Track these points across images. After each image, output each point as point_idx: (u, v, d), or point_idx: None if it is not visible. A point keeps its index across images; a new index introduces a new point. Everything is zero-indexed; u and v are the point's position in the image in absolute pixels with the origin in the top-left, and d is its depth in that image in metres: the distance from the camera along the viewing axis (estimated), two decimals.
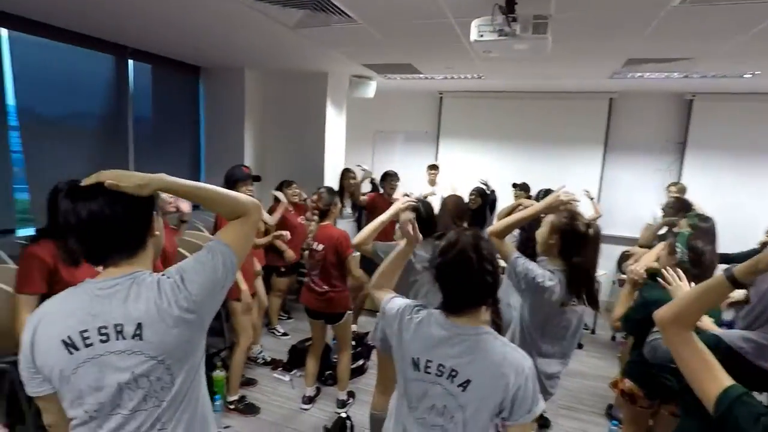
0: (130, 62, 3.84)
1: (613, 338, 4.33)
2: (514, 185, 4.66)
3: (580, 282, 1.80)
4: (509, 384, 1.17)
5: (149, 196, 1.02)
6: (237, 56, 4.00)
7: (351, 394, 3.07)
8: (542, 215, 1.93)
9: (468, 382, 1.20)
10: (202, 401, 1.10)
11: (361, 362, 3.43)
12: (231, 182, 2.88)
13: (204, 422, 1.10)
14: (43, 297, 1.75)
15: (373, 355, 3.60)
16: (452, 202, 2.69)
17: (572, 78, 4.35)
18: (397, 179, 4.43)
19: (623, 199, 5.10)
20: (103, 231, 0.97)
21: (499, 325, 1.37)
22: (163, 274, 1.01)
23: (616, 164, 5.18)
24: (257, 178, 3.29)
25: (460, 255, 1.21)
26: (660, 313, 1.08)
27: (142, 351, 0.96)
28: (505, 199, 4.56)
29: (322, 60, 3.97)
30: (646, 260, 2.96)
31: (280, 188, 3.84)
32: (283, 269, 3.79)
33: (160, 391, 1.00)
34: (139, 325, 0.96)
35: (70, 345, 0.95)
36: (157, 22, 3.00)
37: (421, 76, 4.42)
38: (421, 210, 2.30)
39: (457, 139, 5.75)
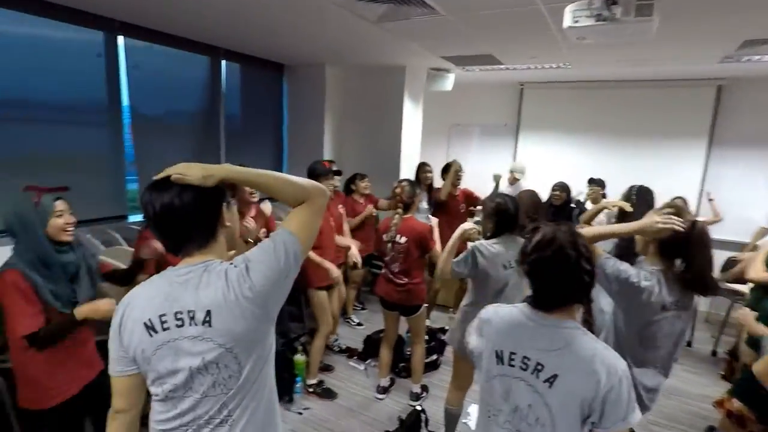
0: (223, 62, 4.11)
1: (714, 353, 3.91)
2: (590, 181, 4.37)
3: (689, 284, 1.64)
4: (600, 382, 1.08)
5: (218, 188, 1.04)
6: (319, 53, 4.12)
7: (425, 388, 3.07)
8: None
9: (555, 377, 1.13)
10: (269, 391, 1.11)
11: (434, 357, 3.42)
12: (313, 177, 2.98)
13: (270, 412, 1.11)
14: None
15: (447, 352, 3.58)
16: (527, 198, 2.57)
17: (674, 64, 3.96)
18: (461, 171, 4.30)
19: (730, 198, 4.56)
20: (175, 222, 1.01)
21: (591, 324, 1.29)
22: (231, 263, 1.03)
23: (722, 160, 4.65)
24: (338, 173, 3.38)
25: (559, 251, 1.15)
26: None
27: (212, 338, 0.99)
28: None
29: (400, 54, 3.97)
30: (756, 273, 2.63)
31: (353, 181, 3.94)
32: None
33: (228, 379, 1.01)
34: (209, 312, 0.98)
35: (150, 328, 1.00)
36: (249, 24, 3.17)
37: (501, 67, 4.27)
38: (510, 208, 2.23)
39: (538, 131, 5.49)
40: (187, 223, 1.02)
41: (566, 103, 5.27)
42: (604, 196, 4.29)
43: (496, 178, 4.65)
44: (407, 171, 4.68)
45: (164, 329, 1.00)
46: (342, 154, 4.95)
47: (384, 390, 3.05)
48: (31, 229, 1.59)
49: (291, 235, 1.04)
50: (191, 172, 0.99)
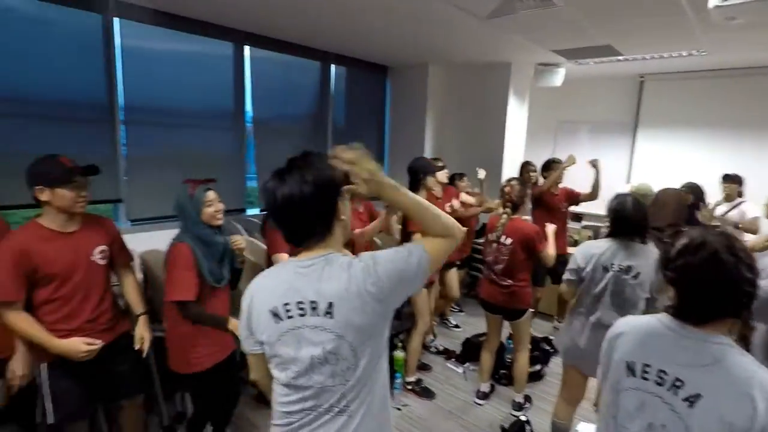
0: (332, 67, 4.32)
1: None
2: (725, 177, 3.81)
3: None
4: (758, 410, 0.93)
5: (336, 182, 1.05)
6: (422, 53, 4.15)
7: (528, 398, 2.93)
8: None
9: (697, 396, 1.00)
10: (382, 387, 1.11)
11: (538, 367, 3.24)
12: (418, 174, 2.98)
13: (383, 407, 1.12)
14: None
15: (552, 364, 3.38)
16: (674, 199, 2.30)
17: None
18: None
19: None
20: (294, 213, 1.03)
21: (748, 343, 1.12)
22: (356, 258, 1.05)
23: None
24: (442, 168, 3.35)
25: (713, 257, 1.01)
26: None
27: (332, 329, 1.01)
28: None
29: (506, 49, 3.84)
30: None
31: (452, 180, 3.86)
32: (458, 262, 3.82)
33: (345, 371, 1.03)
34: (330, 304, 1.01)
35: (275, 315, 1.05)
36: (357, 28, 3.30)
37: (620, 58, 3.92)
38: (627, 210, 2.04)
39: (661, 127, 4.95)
40: (307, 215, 1.04)
41: (697, 95, 4.68)
42: (740, 194, 3.75)
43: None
44: (510, 170, 4.51)
45: (288, 317, 1.04)
46: (443, 153, 4.92)
47: (484, 396, 2.97)
48: (189, 216, 1.87)
49: (425, 252, 1.05)
50: (360, 166, 1.00)
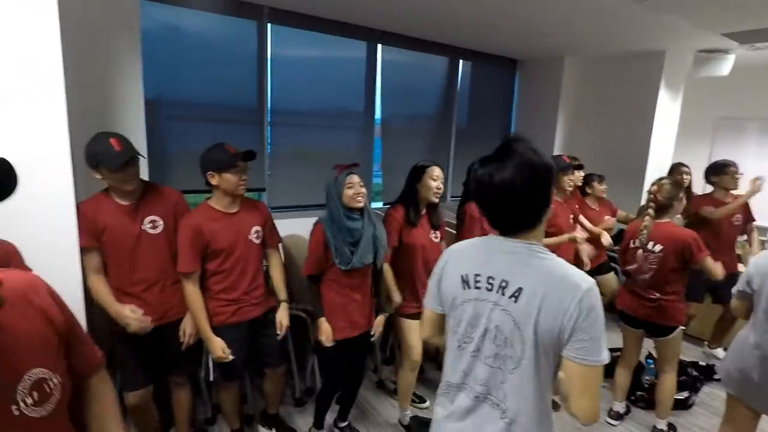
0: (460, 62, 4.27)
1: None
2: None
3: None
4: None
5: (553, 171, 1.03)
6: (560, 45, 3.89)
7: (672, 427, 2.58)
8: None
9: (519, 290, 1.03)
10: (543, 391, 1.04)
11: (684, 395, 2.84)
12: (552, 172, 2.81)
13: (544, 409, 1.04)
14: (394, 251, 2.30)
15: (703, 393, 2.94)
16: None
17: None
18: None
19: None
20: (509, 200, 1.01)
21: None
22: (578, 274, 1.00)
23: None
24: (580, 167, 3.12)
25: None
26: None
27: (511, 312, 1.01)
28: None
29: (661, 36, 3.42)
30: None
31: (587, 182, 3.53)
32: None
33: (508, 359, 1.03)
34: (520, 290, 1.01)
35: (464, 281, 1.10)
36: (493, 21, 3.20)
37: None
38: None
39: None
40: (522, 202, 1.02)
41: None
42: None
43: None
44: (655, 173, 4.02)
45: (475, 287, 1.08)
46: (574, 152, 4.58)
47: (618, 416, 2.69)
48: (331, 197, 2.03)
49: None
50: None
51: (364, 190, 2.05)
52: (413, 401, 2.68)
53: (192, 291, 1.94)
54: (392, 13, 3.16)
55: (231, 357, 1.97)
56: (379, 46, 3.68)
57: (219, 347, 1.95)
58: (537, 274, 1.00)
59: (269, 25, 3.12)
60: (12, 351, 0.71)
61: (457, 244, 1.22)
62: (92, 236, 1.77)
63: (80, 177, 1.76)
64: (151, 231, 1.89)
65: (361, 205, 2.03)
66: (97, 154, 1.70)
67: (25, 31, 1.47)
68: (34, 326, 0.76)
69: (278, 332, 2.15)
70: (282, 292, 2.21)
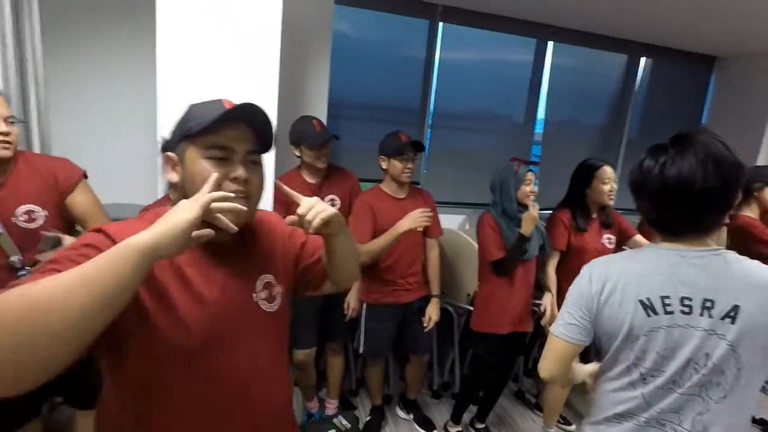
0: (641, 60, 3.83)
1: None
2: None
3: None
4: None
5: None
6: None
7: None
8: None
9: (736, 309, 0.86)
10: (748, 416, 0.92)
11: None
12: (752, 183, 2.36)
13: None
14: (562, 254, 2.15)
15: None
16: None
17: None
18: None
19: None
20: (690, 198, 0.89)
21: None
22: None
23: None
24: None
25: None
26: None
27: (727, 337, 0.87)
28: None
29: None
30: None
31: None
32: None
33: (714, 388, 0.89)
34: (736, 309, 0.86)
35: (648, 307, 0.93)
36: (686, 10, 2.80)
37: None
38: None
39: None
40: (707, 201, 0.90)
41: None
42: None
43: None
44: None
45: (666, 312, 0.92)
46: None
47: None
48: (506, 189, 2.01)
49: None
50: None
51: (536, 189, 2.04)
52: (558, 421, 2.51)
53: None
54: (566, 6, 2.98)
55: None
56: (550, 44, 3.50)
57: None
58: (749, 285, 0.85)
59: (441, 24, 3.20)
60: (254, 258, 0.91)
61: (611, 259, 1.03)
62: (282, 207, 2.03)
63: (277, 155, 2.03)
64: None
65: (531, 203, 2.00)
66: (301, 132, 1.97)
67: (254, 30, 1.75)
68: (271, 247, 0.96)
69: (425, 325, 2.20)
70: (436, 286, 2.26)
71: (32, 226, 1.41)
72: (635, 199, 1.02)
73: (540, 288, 2.23)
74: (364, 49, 3.17)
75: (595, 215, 2.19)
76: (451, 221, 2.93)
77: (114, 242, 0.67)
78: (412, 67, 3.29)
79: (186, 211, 0.67)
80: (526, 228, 1.95)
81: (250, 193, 0.81)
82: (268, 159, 1.86)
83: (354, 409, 2.54)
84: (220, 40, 1.71)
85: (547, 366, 1.07)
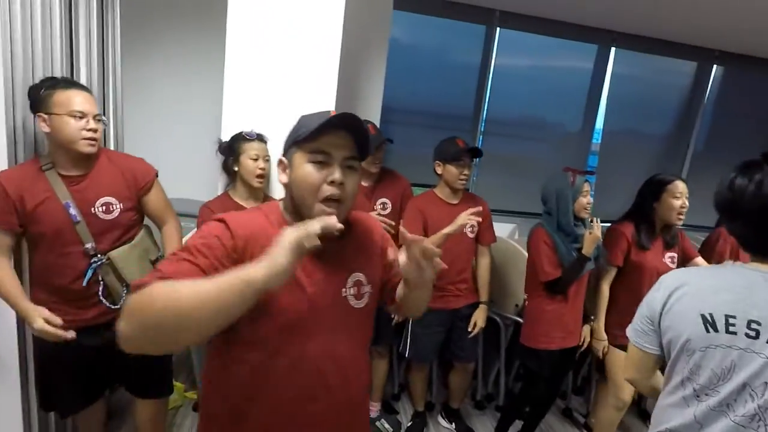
0: (714, 68, 3.60)
1: None
2: None
3: None
4: None
5: None
6: None
7: None
8: None
9: None
10: None
11: None
12: None
13: None
14: (619, 270, 2.04)
15: None
16: None
17: None
18: None
19: None
20: None
21: None
22: None
23: None
24: None
25: None
26: None
27: None
28: None
29: None
30: None
31: None
32: None
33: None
34: None
35: (709, 323, 0.90)
36: (760, 15, 2.60)
37: None
38: None
39: None
40: None
41: None
42: None
43: None
44: None
45: (728, 332, 0.88)
46: None
47: None
48: (563, 201, 1.92)
49: None
50: None
51: (591, 200, 1.96)
52: None
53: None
54: (633, 10, 2.86)
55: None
56: (612, 50, 3.37)
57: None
58: None
59: (498, 29, 3.16)
60: (348, 256, 1.00)
61: (687, 270, 1.02)
62: None
63: None
64: (381, 212, 2.10)
65: (587, 216, 1.94)
66: None
67: (316, 36, 1.80)
68: (370, 248, 1.05)
69: (470, 330, 2.17)
70: (485, 293, 2.22)
71: (108, 217, 1.51)
72: (724, 219, 0.98)
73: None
74: (418, 54, 3.19)
75: (659, 233, 2.05)
76: (500, 229, 2.86)
77: (232, 234, 0.84)
78: (466, 73, 3.27)
79: (293, 253, 0.75)
80: (588, 248, 1.86)
81: (344, 196, 0.89)
82: None
83: (396, 414, 2.53)
84: (284, 46, 1.78)
85: (625, 368, 1.14)
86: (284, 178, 0.93)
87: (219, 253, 0.82)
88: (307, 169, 0.87)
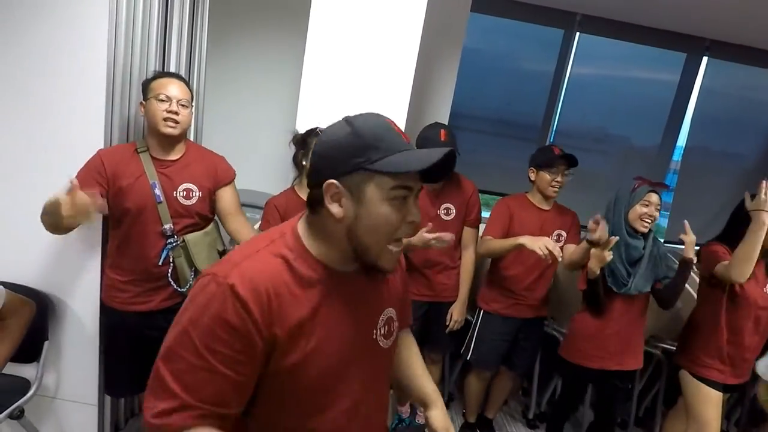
0: None
1: None
2: None
3: None
4: None
5: None
6: None
7: None
8: None
9: None
10: None
11: None
12: None
13: None
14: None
15: None
16: None
17: None
18: None
19: None
20: None
21: None
22: None
23: None
24: None
25: None
26: None
27: None
28: None
29: None
30: None
31: None
32: None
33: None
34: None
35: None
36: None
37: None
38: None
39: None
40: None
41: None
42: None
43: None
44: None
45: None
46: None
47: None
48: (618, 207, 1.85)
49: None
50: None
51: (657, 215, 1.81)
52: None
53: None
54: (731, 14, 2.62)
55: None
56: (704, 60, 3.12)
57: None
58: None
59: (577, 34, 3.02)
60: (386, 291, 0.88)
61: None
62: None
63: None
64: (444, 217, 2.07)
65: (645, 229, 1.80)
66: (425, 140, 1.97)
67: (394, 39, 1.81)
68: (395, 280, 0.93)
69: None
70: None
71: (187, 203, 1.61)
72: None
73: None
74: (489, 59, 3.11)
75: (761, 258, 1.80)
76: None
77: (249, 311, 0.66)
78: (538, 81, 3.16)
79: None
80: (593, 264, 1.75)
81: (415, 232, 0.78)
82: None
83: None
84: (362, 47, 1.81)
85: None
86: (339, 211, 0.71)
87: (242, 345, 0.66)
88: (386, 210, 0.70)
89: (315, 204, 0.73)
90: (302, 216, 0.79)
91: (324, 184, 0.70)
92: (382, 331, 0.84)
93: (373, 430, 0.90)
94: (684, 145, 3.33)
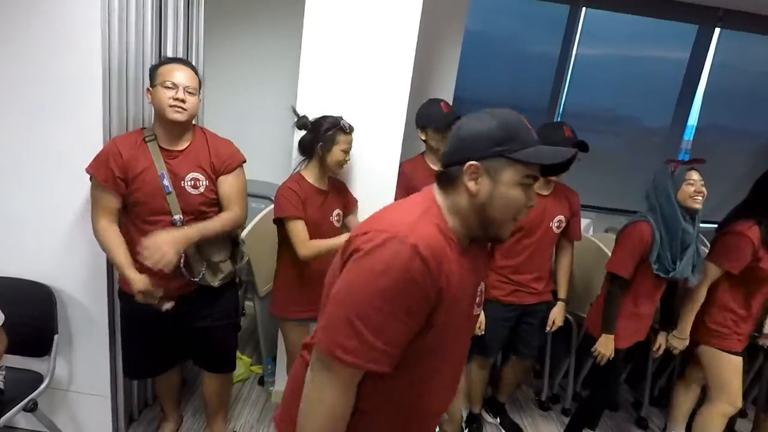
0: None
1: None
2: None
3: None
4: None
5: None
6: None
7: None
8: None
9: None
10: None
11: None
12: None
13: None
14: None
15: None
16: None
17: None
18: None
19: None
20: None
21: None
22: None
23: None
24: None
25: None
26: None
27: None
28: None
29: None
30: None
31: None
32: None
33: None
34: None
35: None
36: None
37: None
38: None
39: None
40: None
41: None
42: None
43: None
44: None
45: None
46: None
47: None
48: (663, 194, 1.78)
49: None
50: None
51: (705, 190, 1.76)
52: None
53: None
54: None
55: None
56: (716, 31, 3.00)
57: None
58: None
59: (584, 9, 2.93)
60: (483, 265, 0.99)
61: None
62: (405, 192, 2.00)
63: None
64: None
65: (699, 206, 1.75)
66: (428, 115, 1.94)
67: (393, 23, 1.79)
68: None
69: (548, 329, 2.09)
70: (564, 291, 2.12)
71: (194, 192, 1.58)
72: None
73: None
74: (492, 41, 3.04)
75: None
76: None
77: (430, 269, 0.74)
78: (543, 62, 3.08)
79: None
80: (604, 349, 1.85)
81: None
82: (394, 146, 1.90)
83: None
84: (361, 31, 1.80)
85: None
86: (475, 189, 0.81)
87: (420, 297, 0.75)
88: (517, 193, 0.81)
89: (447, 180, 0.84)
90: (436, 192, 0.87)
91: (465, 164, 0.80)
92: (477, 300, 0.95)
93: (452, 395, 1.01)
94: (695, 125, 3.23)
